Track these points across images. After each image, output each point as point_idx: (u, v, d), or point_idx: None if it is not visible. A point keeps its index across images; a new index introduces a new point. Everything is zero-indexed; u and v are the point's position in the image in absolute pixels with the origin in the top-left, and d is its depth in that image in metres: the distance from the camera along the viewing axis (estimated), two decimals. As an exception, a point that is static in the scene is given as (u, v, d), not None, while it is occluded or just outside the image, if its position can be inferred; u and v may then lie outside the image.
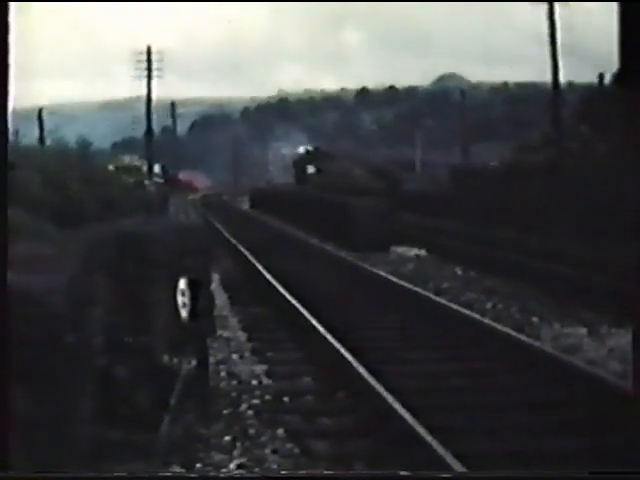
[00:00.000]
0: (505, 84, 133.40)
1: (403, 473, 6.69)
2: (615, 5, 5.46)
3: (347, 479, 6.99)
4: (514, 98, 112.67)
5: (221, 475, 7.24)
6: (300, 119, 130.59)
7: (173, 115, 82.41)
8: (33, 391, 6.18)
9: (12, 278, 5.16)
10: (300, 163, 66.93)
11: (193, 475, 7.09)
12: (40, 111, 57.89)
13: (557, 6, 37.43)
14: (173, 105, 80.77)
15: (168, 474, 6.90)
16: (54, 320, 5.71)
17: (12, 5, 5.15)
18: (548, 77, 37.15)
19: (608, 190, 14.41)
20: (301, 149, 73.05)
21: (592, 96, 24.87)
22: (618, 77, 5.95)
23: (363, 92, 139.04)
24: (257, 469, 7.60)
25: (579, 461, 7.43)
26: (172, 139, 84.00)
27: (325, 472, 7.51)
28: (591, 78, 27.09)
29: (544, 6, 37.34)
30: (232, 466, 7.63)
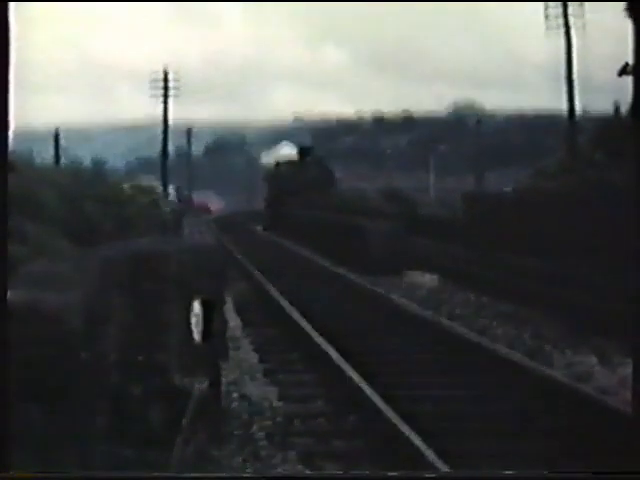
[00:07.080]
0: (520, 112, 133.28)
1: (390, 474, 6.69)
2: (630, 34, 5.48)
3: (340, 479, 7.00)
4: (529, 126, 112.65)
5: (221, 475, 7.22)
6: (315, 143, 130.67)
7: (188, 137, 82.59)
8: (46, 408, 6.20)
9: (29, 295, 5.19)
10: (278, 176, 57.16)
11: (193, 475, 7.06)
12: (56, 130, 58.17)
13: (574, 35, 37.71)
14: (189, 130, 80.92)
15: (167, 475, 6.86)
16: (69, 337, 5.74)
17: (12, 5, 5.17)
18: (562, 105, 37.32)
19: (623, 217, 14.38)
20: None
21: (608, 124, 24.85)
22: (633, 106, 5.94)
23: (379, 118, 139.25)
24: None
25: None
26: (187, 160, 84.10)
27: (322, 473, 7.51)
28: (605, 107, 27.11)
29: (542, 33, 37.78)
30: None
